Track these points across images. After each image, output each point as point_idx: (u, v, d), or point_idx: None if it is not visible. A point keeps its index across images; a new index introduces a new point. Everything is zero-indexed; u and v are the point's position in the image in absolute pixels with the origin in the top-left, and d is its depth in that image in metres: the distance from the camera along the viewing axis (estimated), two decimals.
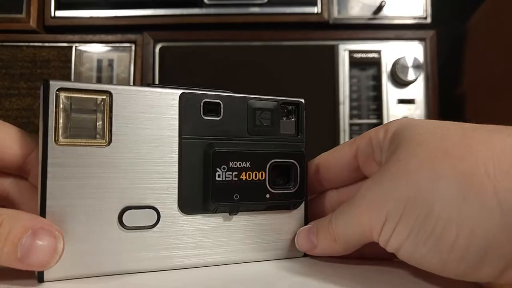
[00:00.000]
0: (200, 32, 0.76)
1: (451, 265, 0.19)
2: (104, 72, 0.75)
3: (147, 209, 0.23)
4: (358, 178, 0.29)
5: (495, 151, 0.19)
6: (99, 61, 0.75)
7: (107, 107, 0.23)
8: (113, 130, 0.23)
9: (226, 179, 0.25)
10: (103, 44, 0.76)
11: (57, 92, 0.22)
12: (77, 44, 0.75)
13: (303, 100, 0.28)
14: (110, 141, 0.23)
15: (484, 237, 0.18)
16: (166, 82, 0.75)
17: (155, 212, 0.24)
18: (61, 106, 0.22)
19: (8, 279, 0.22)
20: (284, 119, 0.28)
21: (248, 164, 0.25)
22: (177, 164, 0.24)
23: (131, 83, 0.75)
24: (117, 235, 0.23)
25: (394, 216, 0.21)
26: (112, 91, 0.23)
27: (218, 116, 0.25)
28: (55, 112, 0.22)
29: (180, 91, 0.24)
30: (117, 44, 0.76)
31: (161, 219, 0.24)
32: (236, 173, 0.25)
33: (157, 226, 0.24)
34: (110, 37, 0.76)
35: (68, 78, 0.74)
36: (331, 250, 0.25)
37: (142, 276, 0.23)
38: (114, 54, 0.76)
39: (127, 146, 0.23)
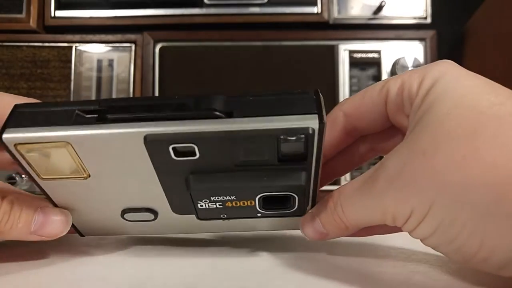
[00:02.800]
0: (200, 32, 0.76)
1: (473, 265, 0.20)
2: (104, 72, 0.75)
3: (144, 213, 0.25)
4: (389, 125, 0.25)
5: None
6: (99, 61, 0.75)
7: (71, 153, 0.21)
8: (87, 167, 0.22)
9: (210, 207, 0.23)
10: (103, 44, 0.76)
11: (15, 147, 0.20)
12: (77, 44, 0.75)
13: (315, 125, 0.19)
14: (89, 175, 0.22)
15: (508, 252, 0.18)
16: (165, 82, 0.75)
17: (152, 214, 0.25)
18: (26, 155, 0.21)
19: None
20: (293, 140, 0.20)
21: (233, 197, 0.23)
22: (160, 187, 0.23)
23: (131, 83, 0.75)
24: (123, 224, 0.26)
25: (418, 214, 0.20)
26: (70, 140, 0.20)
27: (194, 156, 0.20)
28: (24, 161, 0.21)
29: (142, 132, 0.20)
30: (117, 44, 0.76)
31: (159, 215, 0.25)
32: (220, 203, 0.23)
33: (156, 219, 0.25)
34: (110, 37, 0.76)
35: (68, 78, 0.74)
36: (343, 235, 0.24)
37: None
38: (114, 54, 0.76)
39: (107, 176, 0.22)
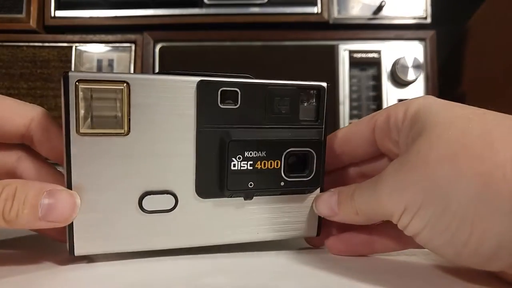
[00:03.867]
0: (200, 32, 0.76)
1: (465, 257, 0.20)
2: (104, 72, 0.75)
3: (165, 194, 0.25)
4: (376, 154, 0.29)
5: None
6: (99, 61, 0.75)
7: (125, 97, 0.23)
8: (131, 119, 0.23)
9: (241, 168, 0.25)
10: (103, 44, 0.76)
11: (77, 84, 0.22)
12: (77, 44, 0.75)
13: (325, 84, 0.27)
14: (129, 130, 0.23)
15: (497, 237, 0.19)
16: None
17: (173, 197, 0.25)
18: (80, 97, 0.22)
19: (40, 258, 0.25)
20: (305, 104, 0.27)
21: (264, 153, 0.26)
22: (194, 151, 0.25)
23: None
24: (137, 218, 0.25)
25: (412, 207, 0.21)
26: (130, 81, 0.23)
27: (236, 104, 0.25)
28: (76, 103, 0.22)
29: (197, 79, 0.24)
30: (117, 44, 0.76)
31: (178, 203, 0.25)
32: (252, 162, 0.25)
33: (174, 210, 0.25)
34: (110, 37, 0.76)
35: None
36: (352, 221, 0.26)
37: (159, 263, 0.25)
38: (114, 54, 0.76)
39: (145, 134, 0.24)
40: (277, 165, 0.26)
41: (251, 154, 0.25)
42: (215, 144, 0.25)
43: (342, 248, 0.28)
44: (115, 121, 0.23)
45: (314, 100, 0.27)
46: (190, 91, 0.24)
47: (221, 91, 0.25)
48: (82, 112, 0.22)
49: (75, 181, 0.23)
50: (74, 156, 0.23)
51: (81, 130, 0.23)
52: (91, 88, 0.22)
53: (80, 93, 0.22)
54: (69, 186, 0.23)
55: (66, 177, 0.23)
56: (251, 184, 0.26)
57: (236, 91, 0.25)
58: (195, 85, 0.24)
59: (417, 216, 0.21)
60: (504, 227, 0.19)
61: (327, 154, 0.28)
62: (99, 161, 0.23)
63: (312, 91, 0.27)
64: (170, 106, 0.24)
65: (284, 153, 0.26)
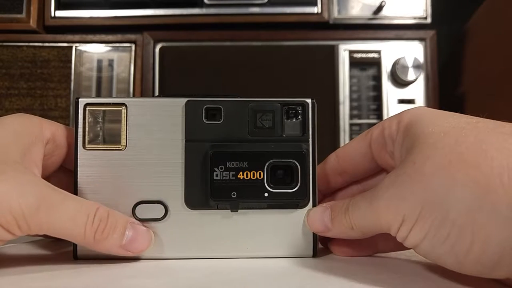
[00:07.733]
0: (200, 32, 0.76)
1: (467, 266, 0.20)
2: (104, 72, 0.75)
3: (156, 204, 0.27)
4: (377, 169, 0.28)
5: (510, 160, 0.19)
6: (99, 61, 0.75)
7: (123, 117, 0.27)
8: (128, 136, 0.27)
9: (224, 178, 0.26)
10: (103, 44, 0.76)
11: (85, 107, 0.27)
12: (77, 44, 0.75)
13: (309, 100, 0.28)
14: (126, 146, 0.27)
15: (499, 244, 0.19)
16: (165, 82, 0.75)
17: (163, 207, 0.27)
18: (88, 118, 0.27)
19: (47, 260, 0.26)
20: (293, 119, 0.28)
21: (245, 164, 0.26)
22: (182, 164, 0.27)
23: (131, 83, 0.75)
24: None
25: (410, 218, 0.21)
26: (127, 103, 0.27)
27: (219, 120, 0.27)
28: (83, 123, 0.27)
29: (185, 100, 0.27)
30: (117, 44, 0.76)
31: (169, 213, 0.27)
32: (234, 172, 0.26)
33: (165, 219, 0.27)
34: (110, 37, 0.76)
35: (68, 78, 0.74)
36: (346, 236, 0.26)
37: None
38: (114, 54, 0.76)
39: (140, 149, 0.27)
40: (260, 176, 0.26)
41: (233, 164, 0.26)
42: (200, 156, 0.27)
43: (346, 249, 0.28)
44: (115, 138, 0.27)
45: (299, 116, 0.28)
46: (179, 110, 0.27)
47: (206, 108, 0.27)
48: (88, 130, 0.27)
49: (80, 187, 0.26)
50: (80, 167, 0.27)
51: (87, 145, 0.27)
52: (96, 110, 0.27)
53: (87, 115, 0.27)
54: (75, 191, 0.26)
55: (73, 183, 0.26)
56: (234, 194, 0.26)
57: (220, 108, 0.27)
58: (183, 104, 0.27)
59: (416, 226, 0.21)
60: (505, 235, 0.19)
61: (328, 174, 0.29)
62: (100, 172, 0.27)
63: (296, 107, 0.28)
64: (162, 124, 0.27)
65: (267, 164, 0.26)
